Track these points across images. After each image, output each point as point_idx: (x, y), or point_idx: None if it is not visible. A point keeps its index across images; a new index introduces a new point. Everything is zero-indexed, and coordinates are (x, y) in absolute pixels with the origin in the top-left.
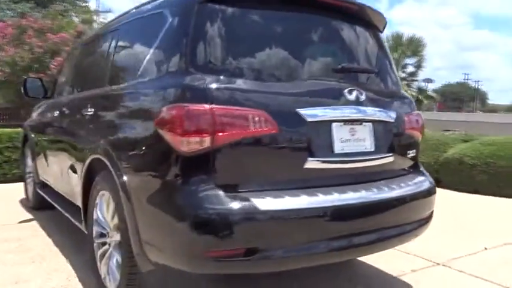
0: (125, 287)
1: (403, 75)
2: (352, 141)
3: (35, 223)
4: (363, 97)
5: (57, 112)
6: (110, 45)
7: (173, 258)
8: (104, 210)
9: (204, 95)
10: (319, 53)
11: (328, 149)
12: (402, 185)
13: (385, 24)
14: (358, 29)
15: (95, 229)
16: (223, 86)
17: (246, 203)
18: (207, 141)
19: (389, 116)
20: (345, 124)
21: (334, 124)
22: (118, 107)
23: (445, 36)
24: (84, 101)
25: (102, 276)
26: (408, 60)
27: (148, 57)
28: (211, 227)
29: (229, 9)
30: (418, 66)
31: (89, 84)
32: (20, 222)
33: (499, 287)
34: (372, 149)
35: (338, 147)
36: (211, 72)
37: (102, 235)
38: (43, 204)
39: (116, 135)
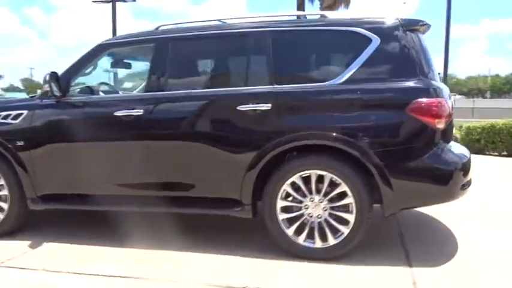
0: (361, 225)
1: None
2: None
3: (71, 246)
4: None
5: (149, 111)
6: (268, 46)
7: (432, 194)
8: (305, 186)
9: (438, 92)
10: None
11: None
12: None
13: None
14: None
15: (280, 205)
16: (437, 86)
17: (466, 155)
18: (446, 121)
19: None
20: None
21: None
22: (343, 99)
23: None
24: (238, 97)
25: (300, 241)
26: None
27: (358, 64)
28: (463, 170)
29: (415, 35)
30: None
31: (238, 81)
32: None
33: None
34: None
35: None
36: (427, 77)
37: (292, 208)
38: (23, 223)
39: (349, 121)
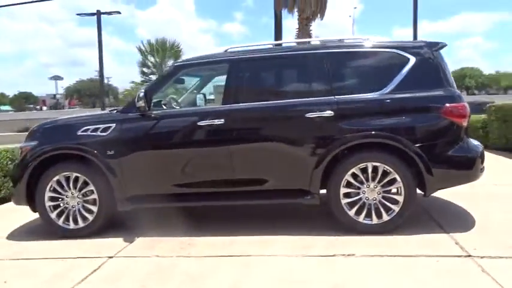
0: (408, 203)
1: None
2: None
3: (161, 238)
4: None
5: (235, 119)
6: (326, 64)
7: (461, 177)
8: (363, 175)
9: (461, 98)
10: None
11: None
12: None
13: None
14: None
15: (342, 192)
16: (459, 93)
17: (481, 145)
18: (468, 120)
19: None
20: None
21: None
22: (391, 106)
23: (52, 32)
24: (306, 106)
25: (360, 220)
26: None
27: (400, 78)
28: (481, 158)
29: (438, 53)
30: None
31: (304, 93)
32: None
33: None
34: None
35: None
36: (451, 86)
37: (351, 194)
38: (106, 223)
39: (398, 123)
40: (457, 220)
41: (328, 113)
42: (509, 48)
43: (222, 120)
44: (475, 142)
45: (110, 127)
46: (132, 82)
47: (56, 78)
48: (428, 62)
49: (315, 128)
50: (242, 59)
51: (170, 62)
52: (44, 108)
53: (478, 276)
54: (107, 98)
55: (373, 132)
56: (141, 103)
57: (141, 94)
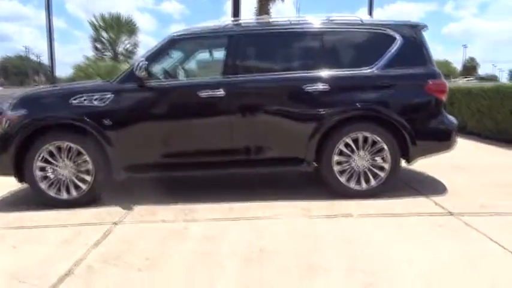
0: (394, 170)
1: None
2: None
3: (158, 206)
4: None
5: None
6: (321, 40)
7: (440, 147)
8: (354, 145)
9: (441, 75)
10: None
11: None
12: None
13: None
14: None
15: (335, 160)
16: (439, 71)
17: (455, 119)
18: (446, 96)
19: None
20: None
21: None
22: (381, 82)
23: None
24: (305, 79)
25: (351, 185)
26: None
27: (389, 55)
28: (456, 130)
29: (421, 34)
30: (135, 44)
31: (302, 67)
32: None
33: None
34: None
35: None
36: (432, 64)
37: (342, 162)
38: (101, 193)
39: (387, 97)
40: (430, 186)
41: (324, 86)
42: (440, 37)
43: (222, 91)
44: (451, 117)
45: (106, 97)
46: (85, 57)
47: None
48: (413, 41)
49: (312, 101)
50: (242, 34)
51: (124, 38)
52: None
53: (464, 228)
54: (37, 76)
55: (363, 105)
56: (143, 73)
57: (142, 64)
